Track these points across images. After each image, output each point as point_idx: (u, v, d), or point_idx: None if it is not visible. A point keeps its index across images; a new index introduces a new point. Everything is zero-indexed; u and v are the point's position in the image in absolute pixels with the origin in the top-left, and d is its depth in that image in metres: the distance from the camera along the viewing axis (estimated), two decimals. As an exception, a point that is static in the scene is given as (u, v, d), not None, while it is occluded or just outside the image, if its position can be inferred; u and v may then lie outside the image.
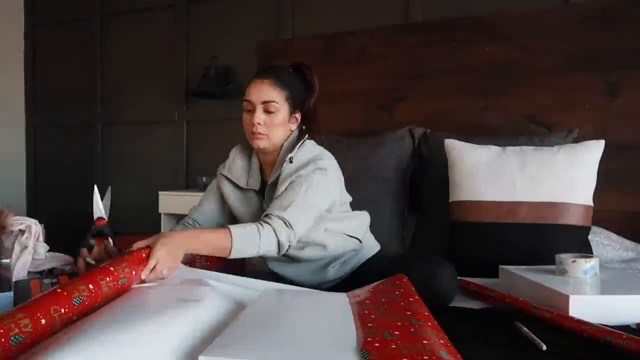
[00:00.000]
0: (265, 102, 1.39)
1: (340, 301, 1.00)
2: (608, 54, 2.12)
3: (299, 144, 1.43)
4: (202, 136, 3.16)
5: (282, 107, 1.40)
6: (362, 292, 1.05)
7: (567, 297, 1.13)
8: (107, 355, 0.68)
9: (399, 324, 0.81)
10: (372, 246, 1.61)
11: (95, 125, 3.49)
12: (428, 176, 2.11)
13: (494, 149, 1.84)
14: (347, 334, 0.78)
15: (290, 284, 1.39)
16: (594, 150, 1.76)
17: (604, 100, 2.12)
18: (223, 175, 1.52)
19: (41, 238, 1.59)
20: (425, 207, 2.12)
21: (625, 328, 1.05)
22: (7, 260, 1.41)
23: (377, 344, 0.72)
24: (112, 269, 0.98)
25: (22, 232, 1.49)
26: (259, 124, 1.39)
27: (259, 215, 1.39)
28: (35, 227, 1.53)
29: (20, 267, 1.43)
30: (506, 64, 2.28)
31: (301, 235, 1.33)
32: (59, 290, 0.86)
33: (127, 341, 0.72)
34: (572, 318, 1.07)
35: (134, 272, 1.03)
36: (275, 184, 1.41)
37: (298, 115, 1.47)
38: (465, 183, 1.81)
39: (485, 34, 2.32)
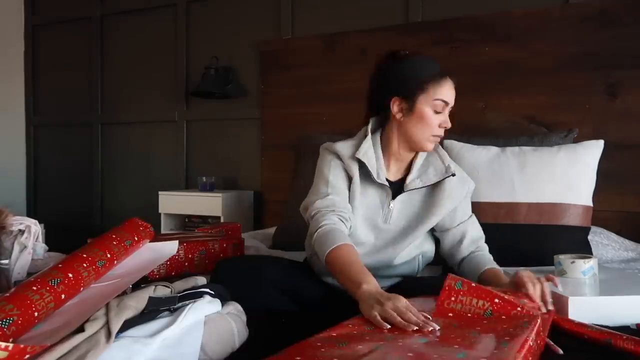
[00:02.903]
0: (451, 107, 1.33)
1: None
2: (608, 54, 2.11)
3: (439, 150, 1.39)
4: (202, 136, 3.16)
5: None
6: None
7: (566, 299, 1.12)
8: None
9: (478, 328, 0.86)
10: None
11: (95, 125, 3.49)
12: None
13: (493, 150, 1.84)
14: None
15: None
16: (593, 150, 1.76)
17: (604, 100, 2.12)
18: (357, 159, 1.32)
19: (40, 238, 1.59)
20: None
21: (625, 329, 1.04)
22: (7, 261, 1.41)
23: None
24: (85, 255, 1.04)
25: (21, 232, 1.49)
26: (447, 127, 1.32)
27: (378, 212, 1.33)
28: (35, 227, 1.53)
29: (20, 267, 1.43)
30: (506, 63, 2.28)
31: None
32: (32, 279, 0.93)
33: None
34: (572, 321, 1.06)
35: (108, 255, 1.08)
36: (400, 180, 1.37)
37: None
38: (465, 183, 1.80)
39: (485, 34, 2.32)
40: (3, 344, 0.67)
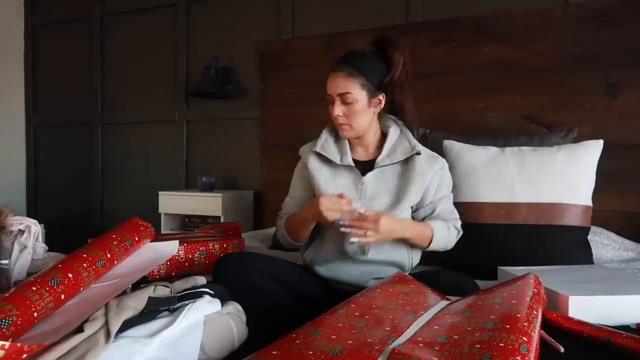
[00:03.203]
0: (341, 95, 1.41)
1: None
2: (608, 54, 2.11)
3: (407, 135, 1.50)
4: (202, 136, 3.16)
5: (359, 96, 1.41)
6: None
7: (566, 298, 1.13)
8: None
9: (492, 316, 0.85)
10: None
11: (95, 125, 3.49)
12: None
13: (493, 150, 1.83)
14: None
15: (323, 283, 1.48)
16: (592, 150, 1.76)
17: (604, 100, 2.12)
18: (315, 152, 1.51)
19: (40, 238, 1.59)
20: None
21: (625, 328, 1.04)
22: (7, 261, 1.41)
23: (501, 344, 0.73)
24: (85, 255, 1.04)
25: (21, 232, 1.49)
26: (339, 115, 1.43)
27: (352, 190, 1.45)
28: (35, 227, 1.53)
29: (20, 267, 1.43)
30: (506, 63, 2.28)
31: None
32: (32, 279, 0.92)
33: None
34: (572, 319, 1.06)
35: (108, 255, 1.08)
36: (372, 161, 1.49)
37: (382, 97, 1.46)
38: (464, 184, 1.80)
39: (485, 33, 2.32)
40: (0, 343, 0.67)
